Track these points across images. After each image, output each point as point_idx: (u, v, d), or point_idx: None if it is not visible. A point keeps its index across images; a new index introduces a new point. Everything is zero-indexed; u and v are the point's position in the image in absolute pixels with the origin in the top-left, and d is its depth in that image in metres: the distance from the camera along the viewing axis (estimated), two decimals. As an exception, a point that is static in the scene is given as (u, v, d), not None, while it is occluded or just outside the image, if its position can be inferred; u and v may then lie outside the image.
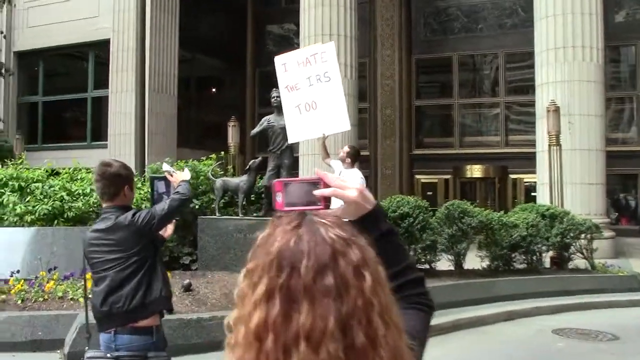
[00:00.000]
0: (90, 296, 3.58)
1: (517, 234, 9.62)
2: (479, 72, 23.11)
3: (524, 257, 10.17)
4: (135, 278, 3.25)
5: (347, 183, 1.30)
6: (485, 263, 9.82)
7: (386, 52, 22.63)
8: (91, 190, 8.39)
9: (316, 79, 7.70)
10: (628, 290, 10.02)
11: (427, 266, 9.67)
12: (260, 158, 8.22)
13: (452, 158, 22.17)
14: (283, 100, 7.88)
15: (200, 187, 9.02)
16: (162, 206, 3.39)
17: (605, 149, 14.92)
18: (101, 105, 21.06)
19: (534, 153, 21.28)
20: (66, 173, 9.51)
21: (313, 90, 7.70)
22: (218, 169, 9.09)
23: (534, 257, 10.20)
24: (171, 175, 3.70)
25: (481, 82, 23.14)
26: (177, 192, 3.52)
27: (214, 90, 25.23)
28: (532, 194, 21.53)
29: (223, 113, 22.57)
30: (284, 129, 7.88)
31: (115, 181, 3.36)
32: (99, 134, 20.91)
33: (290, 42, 24.29)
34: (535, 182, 21.19)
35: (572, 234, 10.29)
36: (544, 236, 10.05)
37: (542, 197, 14.56)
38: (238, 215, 8.24)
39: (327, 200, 1.29)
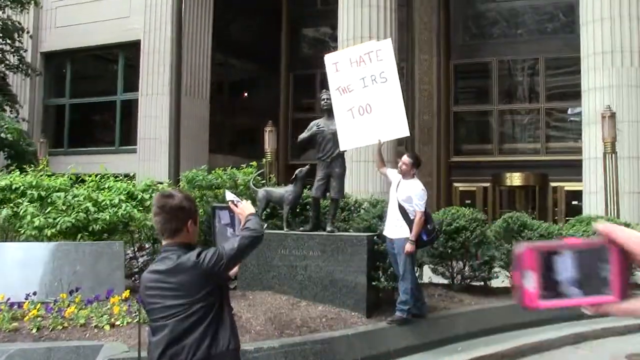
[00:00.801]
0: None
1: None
2: (519, 77, 22.30)
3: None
4: (200, 327, 2.73)
5: None
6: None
7: (424, 56, 21.90)
8: (120, 201, 7.61)
9: (371, 80, 7.08)
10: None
11: (481, 283, 9.03)
12: (307, 166, 7.58)
13: (491, 166, 21.38)
14: (334, 103, 7.28)
15: (241, 197, 8.41)
16: (232, 245, 2.84)
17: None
18: (130, 108, 20.61)
19: (575, 161, 20.61)
20: (92, 181, 8.46)
21: (368, 92, 7.08)
22: (259, 178, 8.47)
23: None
24: (236, 206, 3.15)
25: (521, 88, 22.33)
26: (247, 227, 2.94)
27: (247, 94, 24.67)
28: (574, 202, 20.91)
29: (256, 118, 22.10)
30: (334, 134, 7.26)
31: (178, 215, 2.84)
32: (128, 138, 20.46)
33: (326, 46, 23.70)
34: (577, 190, 20.74)
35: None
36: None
37: (590, 207, 13.89)
38: (282, 229, 7.61)
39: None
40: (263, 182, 8.81)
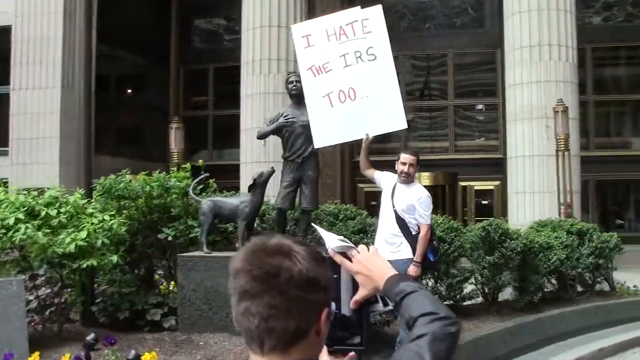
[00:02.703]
0: None
1: (556, 257, 7.96)
2: (427, 73, 21.61)
3: (556, 284, 8.72)
4: None
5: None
6: (516, 294, 8.06)
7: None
8: (17, 220, 5.43)
9: (355, 58, 5.60)
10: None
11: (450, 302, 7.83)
12: (271, 169, 5.96)
13: (399, 165, 20.51)
14: (306, 87, 5.74)
15: (173, 209, 6.62)
16: None
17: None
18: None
19: (486, 159, 20.24)
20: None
21: (351, 73, 5.60)
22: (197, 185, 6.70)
23: (569, 282, 8.69)
24: (349, 257, 1.52)
25: (429, 84, 21.65)
26: (436, 315, 1.36)
27: (134, 90, 22.26)
28: (483, 202, 20.57)
29: (145, 116, 19.93)
30: (306, 127, 5.74)
31: (305, 300, 1.22)
32: (-5, 139, 17.58)
33: (220, 39, 21.95)
34: (487, 189, 20.44)
35: (606, 253, 8.84)
36: (575, 257, 8.52)
37: (518, 207, 13.21)
38: (237, 252, 5.96)
39: None
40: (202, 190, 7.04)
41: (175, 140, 12.08)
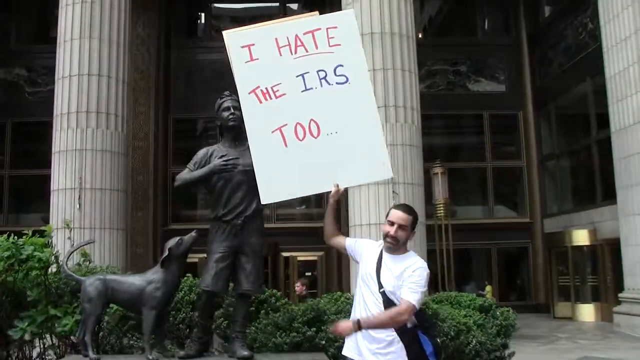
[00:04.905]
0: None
1: (475, 339, 6.99)
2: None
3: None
4: None
5: None
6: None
7: (140, 108, 18.75)
8: None
9: (319, 79, 4.18)
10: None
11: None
12: (194, 234, 4.21)
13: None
14: (248, 116, 4.16)
15: (29, 293, 4.52)
16: None
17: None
18: None
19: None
20: None
21: (312, 100, 4.15)
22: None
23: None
24: None
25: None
26: None
27: None
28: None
29: None
30: (250, 174, 4.14)
31: None
32: None
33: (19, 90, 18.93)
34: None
35: (510, 331, 8.07)
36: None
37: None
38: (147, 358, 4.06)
39: None
40: (87, 262, 4.99)
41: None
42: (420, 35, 19.94)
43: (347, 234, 4.62)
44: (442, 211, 15.08)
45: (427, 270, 3.78)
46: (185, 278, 4.93)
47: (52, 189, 12.07)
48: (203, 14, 21.61)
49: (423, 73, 19.88)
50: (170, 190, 19.44)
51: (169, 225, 19.28)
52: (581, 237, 17.28)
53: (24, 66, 19.26)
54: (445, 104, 19.98)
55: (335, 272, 18.62)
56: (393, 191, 12.80)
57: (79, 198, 11.90)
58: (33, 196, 17.84)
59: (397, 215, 3.81)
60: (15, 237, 4.59)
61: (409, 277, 3.68)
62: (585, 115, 17.99)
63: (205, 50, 19.99)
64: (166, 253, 4.15)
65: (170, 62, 20.14)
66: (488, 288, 17.67)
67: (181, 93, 20.00)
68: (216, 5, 21.51)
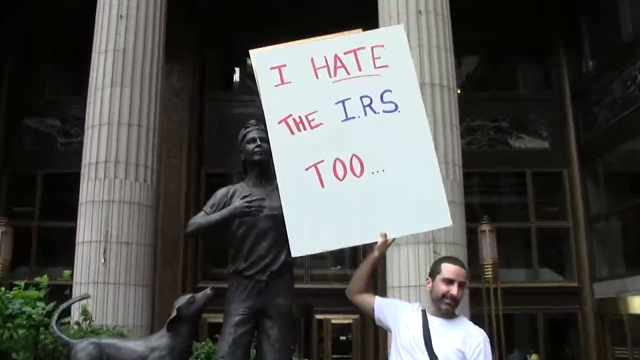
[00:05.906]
0: None
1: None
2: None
3: None
4: None
5: None
6: None
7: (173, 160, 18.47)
8: None
9: (362, 107, 3.47)
10: None
11: None
12: (208, 291, 3.52)
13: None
14: (277, 151, 3.45)
15: (15, 356, 3.85)
16: None
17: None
18: None
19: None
20: None
21: (355, 132, 3.46)
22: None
23: None
24: None
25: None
26: None
27: None
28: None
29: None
30: (278, 219, 3.43)
31: None
32: None
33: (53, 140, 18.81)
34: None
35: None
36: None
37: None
38: None
39: None
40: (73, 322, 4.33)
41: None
42: (459, 91, 19.42)
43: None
44: (490, 273, 14.16)
45: (487, 340, 3.16)
46: (203, 343, 4.20)
47: (77, 241, 11.60)
48: (238, 68, 21.49)
49: (463, 129, 19.21)
50: (201, 247, 18.90)
51: (198, 284, 18.63)
52: (639, 305, 16.07)
53: (57, 117, 19.15)
54: (486, 161, 19.24)
55: (372, 336, 17.64)
56: (434, 251, 11.96)
57: (104, 252, 11.44)
58: (61, 248, 17.43)
59: (456, 271, 3.17)
60: (4, 289, 3.97)
61: (479, 351, 3.03)
62: (635, 173, 17.08)
63: (240, 105, 19.68)
64: (174, 313, 3.46)
65: (204, 115, 19.91)
66: (534, 357, 16.48)
67: (215, 147, 19.64)
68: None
